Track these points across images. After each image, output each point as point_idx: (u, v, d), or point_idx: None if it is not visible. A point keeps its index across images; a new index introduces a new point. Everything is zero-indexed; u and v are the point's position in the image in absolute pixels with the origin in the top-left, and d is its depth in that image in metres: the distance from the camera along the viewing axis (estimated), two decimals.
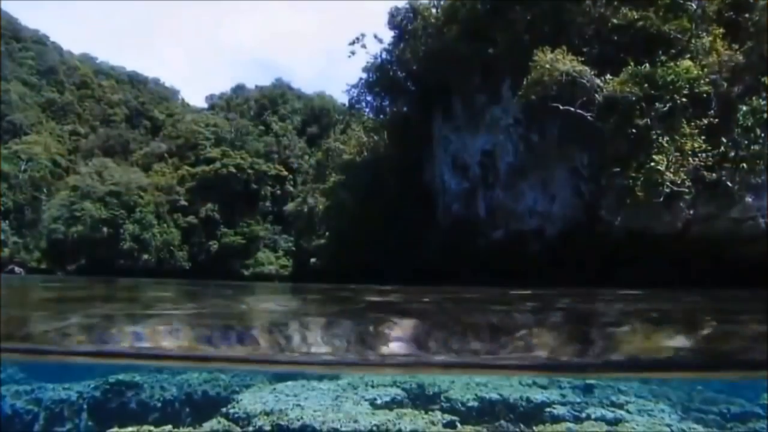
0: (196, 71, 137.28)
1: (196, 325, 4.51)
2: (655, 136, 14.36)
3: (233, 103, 72.12)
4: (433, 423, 6.73)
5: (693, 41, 15.29)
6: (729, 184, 13.88)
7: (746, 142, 13.71)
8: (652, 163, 13.94)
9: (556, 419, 6.84)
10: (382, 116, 32.37)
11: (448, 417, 6.90)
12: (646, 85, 14.63)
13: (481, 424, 6.87)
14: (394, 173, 27.18)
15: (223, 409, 7.16)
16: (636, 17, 16.14)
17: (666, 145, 14.08)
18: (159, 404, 7.66)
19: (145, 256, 55.01)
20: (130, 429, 6.65)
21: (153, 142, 68.33)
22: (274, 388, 7.94)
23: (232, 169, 59.31)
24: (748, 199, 14.12)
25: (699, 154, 13.94)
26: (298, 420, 6.70)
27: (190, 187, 59.36)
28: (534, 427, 6.61)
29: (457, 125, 24.26)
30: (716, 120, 14.12)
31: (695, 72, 14.24)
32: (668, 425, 6.19)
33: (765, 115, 13.59)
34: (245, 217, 59.86)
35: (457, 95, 23.76)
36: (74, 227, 53.40)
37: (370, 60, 30.08)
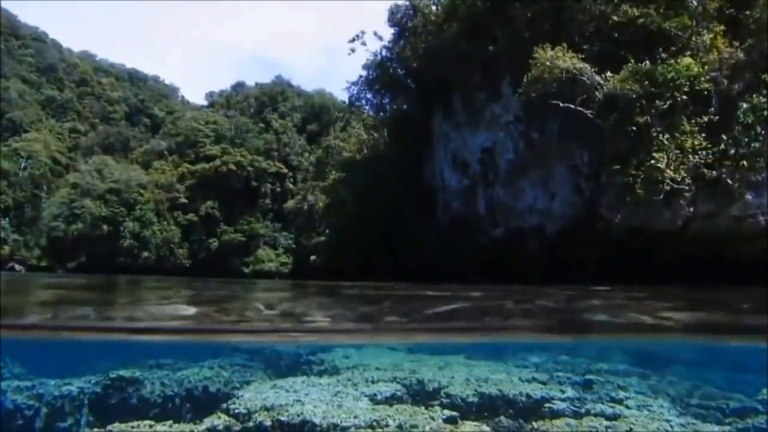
0: (195, 68, 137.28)
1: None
2: (655, 134, 14.35)
3: (233, 100, 72.07)
4: (432, 418, 6.75)
5: (693, 38, 15.27)
6: (729, 181, 13.88)
7: (746, 139, 13.70)
8: (653, 161, 13.93)
9: (556, 414, 6.87)
10: (382, 113, 32.35)
11: (447, 412, 6.92)
12: (646, 82, 14.61)
13: (481, 419, 6.90)
14: (394, 171, 27.18)
15: (224, 405, 7.17)
16: (636, 14, 16.11)
17: (666, 142, 14.07)
18: (159, 400, 7.68)
19: (145, 254, 55.04)
20: (130, 424, 6.67)
21: (153, 139, 68.32)
22: (275, 384, 7.96)
23: (232, 167, 59.31)
24: (748, 197, 14.12)
25: (699, 152, 13.93)
26: (298, 416, 6.72)
27: (190, 185, 59.37)
28: (533, 423, 6.63)
29: (457, 122, 24.24)
30: (717, 117, 14.11)
31: (696, 69, 14.22)
32: (667, 420, 6.22)
33: (765, 113, 13.57)
34: (245, 214, 59.90)
35: (457, 92, 23.73)
36: (74, 225, 53.43)
37: (370, 57, 30.08)
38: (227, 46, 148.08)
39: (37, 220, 55.76)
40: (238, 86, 76.08)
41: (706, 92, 14.26)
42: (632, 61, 14.98)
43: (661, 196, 13.98)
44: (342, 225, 30.99)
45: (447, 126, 24.95)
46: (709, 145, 13.94)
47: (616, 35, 16.66)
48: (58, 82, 70.91)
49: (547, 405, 7.18)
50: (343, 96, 40.74)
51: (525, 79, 16.72)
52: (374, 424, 6.71)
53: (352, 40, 29.64)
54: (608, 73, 15.62)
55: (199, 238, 58.18)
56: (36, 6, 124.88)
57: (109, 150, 65.68)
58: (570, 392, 7.58)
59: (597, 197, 16.86)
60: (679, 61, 14.51)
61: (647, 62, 14.84)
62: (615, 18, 16.56)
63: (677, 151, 14.00)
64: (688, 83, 14.17)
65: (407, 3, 27.74)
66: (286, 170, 62.55)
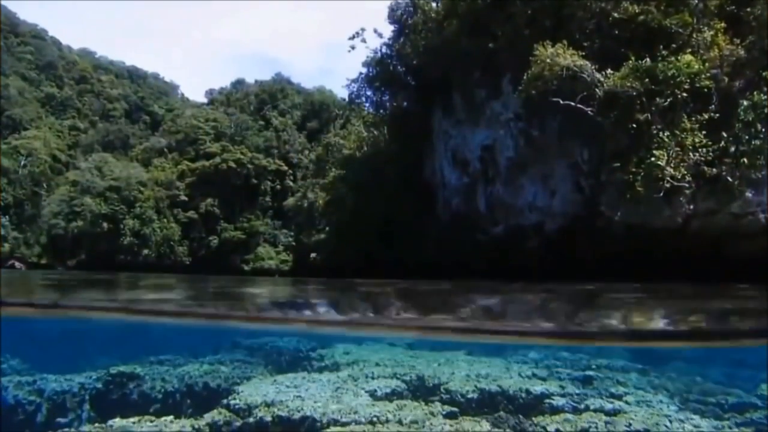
0: (195, 66, 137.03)
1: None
2: (655, 131, 14.34)
3: (233, 98, 71.99)
4: (432, 414, 6.77)
5: (694, 36, 15.24)
6: (729, 179, 13.86)
7: (747, 137, 13.69)
8: (653, 158, 13.92)
9: (555, 410, 6.89)
10: (382, 111, 32.30)
11: (447, 408, 6.94)
12: (646, 79, 14.58)
13: (481, 415, 6.91)
14: (394, 168, 27.16)
15: (224, 401, 7.19)
16: (637, 11, 16.07)
17: (666, 140, 14.05)
18: (160, 395, 7.70)
19: (146, 251, 55.05)
20: (131, 420, 6.69)
21: (153, 137, 68.28)
22: (275, 380, 7.98)
23: (232, 164, 59.27)
24: (749, 195, 14.11)
25: (699, 149, 13.91)
26: (299, 411, 6.74)
27: (190, 182, 59.34)
28: (533, 419, 6.65)
29: (457, 120, 24.22)
30: (717, 115, 14.09)
31: (696, 67, 14.18)
32: (667, 416, 6.24)
33: (766, 110, 13.55)
34: (245, 212, 59.90)
35: (458, 90, 23.70)
36: (74, 222, 53.40)
37: (370, 54, 30.03)
38: (227, 43, 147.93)
39: (37, 218, 55.75)
40: (238, 84, 76.01)
41: (706, 89, 14.24)
42: (633, 58, 14.95)
43: (662, 194, 13.97)
44: (342, 222, 30.98)
45: (447, 123, 24.93)
46: (710, 143, 13.92)
47: (616, 32, 16.63)
48: (58, 80, 70.82)
49: (547, 401, 7.20)
50: (343, 93, 40.62)
51: (525, 77, 16.68)
52: (374, 419, 6.73)
53: (352, 38, 29.63)
54: (609, 71, 15.58)
55: (199, 236, 58.19)
56: (35, 4, 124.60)
57: (108, 147, 65.64)
58: (570, 388, 7.60)
59: (597, 195, 16.86)
60: (679, 58, 14.47)
61: (648, 59, 14.80)
62: (615, 15, 16.52)
63: (677, 149, 13.98)
64: (688, 80, 14.15)
65: (407, 0, 27.68)
66: (286, 168, 62.53)
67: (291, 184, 61.18)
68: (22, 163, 56.32)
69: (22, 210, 56.11)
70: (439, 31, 24.06)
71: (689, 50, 14.95)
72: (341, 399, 7.24)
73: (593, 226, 16.67)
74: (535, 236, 19.54)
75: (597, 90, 15.68)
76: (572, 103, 15.92)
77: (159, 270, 50.13)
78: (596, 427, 6.15)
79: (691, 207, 14.53)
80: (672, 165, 13.88)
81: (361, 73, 31.08)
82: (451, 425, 6.50)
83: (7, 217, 54.37)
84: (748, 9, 15.08)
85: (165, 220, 57.35)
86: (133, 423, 6.64)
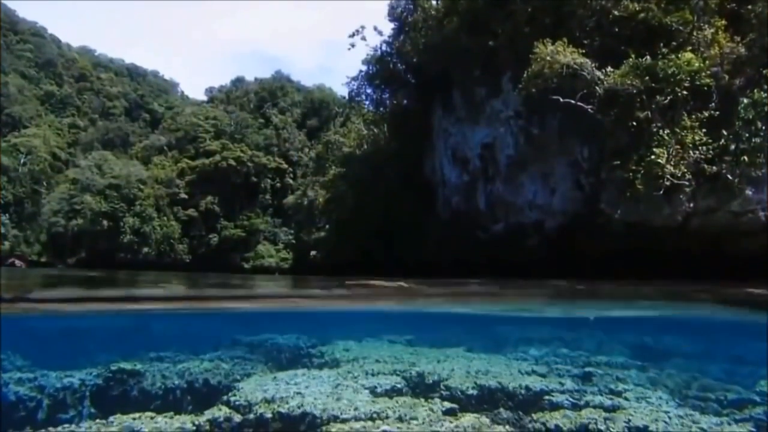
0: (195, 64, 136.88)
1: None
2: (655, 129, 14.33)
3: (233, 95, 71.95)
4: (432, 411, 6.77)
5: (695, 33, 15.22)
6: (729, 177, 13.86)
7: (747, 134, 13.68)
8: (653, 156, 13.91)
9: (555, 407, 6.90)
10: (382, 109, 32.28)
11: (447, 405, 6.95)
12: (647, 77, 14.57)
13: (481, 411, 6.92)
14: (394, 166, 27.16)
15: (224, 397, 7.20)
16: (637, 9, 16.05)
17: (666, 137, 14.04)
18: (160, 392, 7.71)
19: (146, 249, 55.08)
20: (132, 416, 6.70)
21: (152, 135, 68.27)
22: (275, 377, 7.99)
23: (232, 162, 59.27)
24: (748, 192, 14.11)
25: (699, 147, 13.91)
26: (299, 408, 6.75)
27: (190, 180, 59.34)
28: (533, 415, 6.66)
29: (457, 118, 24.20)
30: (717, 113, 14.08)
31: (696, 64, 14.17)
32: (666, 412, 6.25)
33: (766, 108, 13.54)
34: (245, 210, 59.92)
35: (458, 88, 23.69)
36: (74, 220, 53.42)
37: (370, 52, 30.01)
38: (227, 41, 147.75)
39: (37, 216, 55.78)
40: (238, 81, 75.96)
41: (706, 87, 14.22)
42: (633, 56, 14.94)
43: (662, 192, 13.97)
44: (342, 220, 30.99)
45: (447, 121, 24.92)
46: (710, 141, 13.91)
47: (616, 30, 16.60)
48: (57, 78, 70.76)
49: (547, 397, 7.22)
50: (342, 91, 40.63)
51: (525, 74, 16.67)
52: (374, 416, 6.74)
53: (352, 35, 29.59)
54: (609, 68, 15.57)
55: (199, 234, 58.22)
56: (35, 2, 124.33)
57: (108, 145, 65.64)
58: (569, 384, 7.62)
59: (597, 192, 16.86)
60: (680, 56, 14.45)
61: (648, 57, 14.79)
62: (616, 13, 16.50)
63: (677, 147, 13.98)
64: (688, 78, 14.13)
65: None
66: (285, 166, 62.53)
67: (291, 182, 61.20)
68: (22, 161, 56.31)
69: (22, 208, 56.14)
70: (439, 29, 24.02)
71: (690, 48, 14.93)
72: (341, 395, 7.25)
73: (593, 224, 16.68)
74: (535, 234, 19.56)
75: (597, 88, 15.67)
76: (572, 101, 15.91)
77: (159, 268, 50.17)
78: (596, 424, 6.16)
79: (691, 205, 14.53)
80: (672, 163, 13.88)
81: (361, 71, 31.09)
82: (450, 421, 6.51)
83: (7, 215, 54.40)
84: (749, 6, 15.05)
85: (165, 218, 57.37)
86: (134, 419, 6.65)
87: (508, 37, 19.42)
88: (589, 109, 15.75)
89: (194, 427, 6.46)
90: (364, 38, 29.56)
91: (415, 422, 6.49)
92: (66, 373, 7.52)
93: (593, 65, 15.86)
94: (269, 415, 6.68)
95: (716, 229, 14.36)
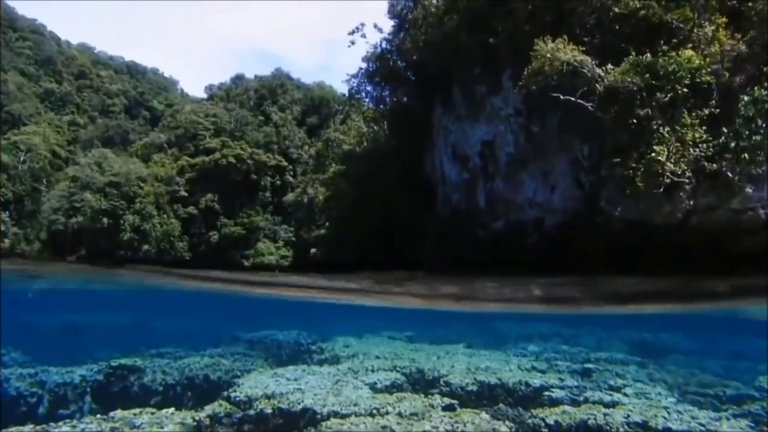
0: (195, 61, 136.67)
1: None
2: (655, 127, 14.30)
3: (232, 93, 71.80)
4: (432, 406, 6.81)
5: (695, 31, 15.18)
6: (729, 174, 13.84)
7: (747, 132, 13.66)
8: (653, 154, 13.89)
9: (555, 403, 6.93)
10: (382, 106, 32.20)
11: (447, 400, 6.98)
12: (647, 75, 14.53)
13: (480, 407, 6.95)
14: (394, 163, 27.15)
15: (225, 393, 7.24)
16: (638, 6, 16.00)
17: (666, 135, 14.02)
18: (161, 388, 7.75)
19: (146, 247, 55.08)
20: (132, 411, 6.73)
21: (152, 132, 68.15)
22: (275, 373, 8.03)
23: (232, 160, 59.22)
24: (749, 190, 14.10)
25: (699, 145, 13.89)
26: (299, 403, 6.79)
27: (190, 178, 59.29)
28: (532, 411, 6.68)
29: (457, 115, 24.17)
30: (717, 110, 14.05)
31: (697, 62, 14.14)
32: (665, 408, 6.27)
33: (767, 106, 13.53)
34: (245, 207, 59.92)
35: (458, 85, 23.65)
36: (74, 218, 53.38)
37: (370, 50, 29.87)
38: (227, 38, 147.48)
39: (36, 214, 55.72)
40: (238, 79, 75.78)
41: (707, 85, 14.19)
42: (633, 53, 14.91)
43: (661, 189, 13.95)
44: (342, 218, 30.99)
45: (447, 119, 24.89)
46: (710, 138, 13.90)
47: (617, 27, 16.55)
48: (57, 75, 70.60)
49: (546, 393, 7.25)
50: (342, 89, 40.59)
51: (525, 72, 16.63)
52: (374, 411, 6.78)
53: (352, 33, 29.50)
54: (609, 66, 15.54)
55: (199, 231, 58.23)
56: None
57: (108, 143, 65.55)
58: (569, 381, 7.64)
59: (597, 190, 16.85)
60: (680, 53, 14.43)
61: (648, 54, 14.76)
62: (616, 10, 16.44)
63: (677, 144, 13.96)
64: (689, 76, 14.11)
65: None
66: (285, 163, 62.49)
67: (291, 179, 61.19)
68: (22, 158, 56.24)
69: (21, 206, 56.08)
70: (440, 27, 23.96)
71: (690, 45, 14.90)
72: (341, 391, 7.28)
73: (593, 221, 16.68)
74: (535, 232, 19.55)
75: (597, 85, 15.64)
76: (572, 99, 15.88)
77: (159, 266, 50.16)
78: (595, 419, 6.18)
79: (691, 203, 14.52)
80: (672, 160, 13.86)
81: (360, 69, 30.98)
82: (450, 417, 6.53)
83: (6, 212, 54.36)
84: (750, 4, 15.02)
85: (165, 215, 57.35)
86: (134, 415, 6.69)
87: (508, 34, 19.38)
88: (590, 107, 15.72)
89: (195, 423, 6.50)
90: (363, 36, 29.48)
91: (415, 418, 6.52)
92: (67, 369, 7.55)
93: (593, 63, 15.82)
94: (269, 411, 6.72)
95: (716, 226, 14.36)
